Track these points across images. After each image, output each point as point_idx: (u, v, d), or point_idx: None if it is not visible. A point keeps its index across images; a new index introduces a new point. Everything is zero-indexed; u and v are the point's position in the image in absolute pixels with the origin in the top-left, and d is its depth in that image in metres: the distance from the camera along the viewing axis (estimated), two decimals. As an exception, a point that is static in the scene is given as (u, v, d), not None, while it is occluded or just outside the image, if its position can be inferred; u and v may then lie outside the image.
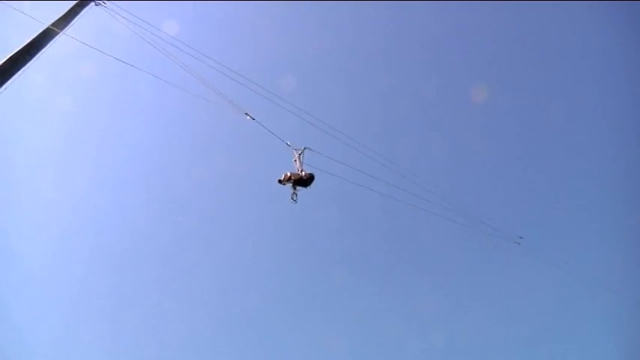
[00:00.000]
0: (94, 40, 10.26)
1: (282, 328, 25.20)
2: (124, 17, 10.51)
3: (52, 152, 24.44)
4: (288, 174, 11.10)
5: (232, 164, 26.67)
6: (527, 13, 23.63)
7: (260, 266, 26.84)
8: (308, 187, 11.42)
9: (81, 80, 24.14)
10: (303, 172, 11.26)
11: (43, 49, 7.32)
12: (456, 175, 27.29)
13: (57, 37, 7.42)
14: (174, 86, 11.37)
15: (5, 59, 6.87)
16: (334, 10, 25.67)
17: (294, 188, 11.25)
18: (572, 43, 24.26)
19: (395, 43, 27.60)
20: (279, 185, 11.08)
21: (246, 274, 26.47)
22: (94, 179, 26.18)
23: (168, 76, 11.90)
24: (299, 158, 11.85)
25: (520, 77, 25.91)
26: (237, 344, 24.75)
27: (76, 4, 8.78)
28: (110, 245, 25.08)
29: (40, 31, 7.25)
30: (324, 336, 24.59)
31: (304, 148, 12.06)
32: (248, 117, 11.60)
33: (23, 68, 7.09)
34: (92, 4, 9.81)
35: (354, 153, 13.17)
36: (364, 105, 28.31)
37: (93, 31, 10.29)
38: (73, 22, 8.26)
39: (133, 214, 26.35)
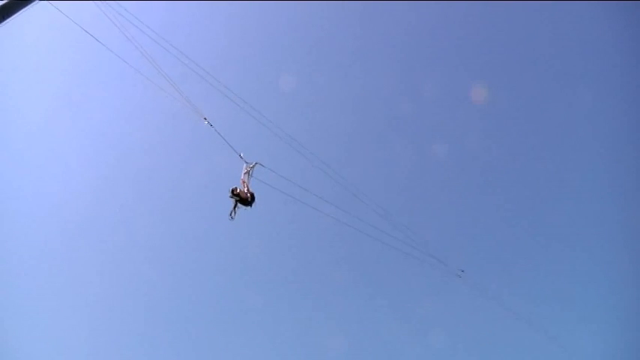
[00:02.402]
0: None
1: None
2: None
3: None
4: (237, 190, 11.18)
5: (176, 165, 25.98)
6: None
7: (193, 282, 25.95)
8: (248, 207, 11.50)
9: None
10: (248, 192, 11.37)
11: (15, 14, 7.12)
12: (407, 201, 27.95)
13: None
14: (142, 75, 11.19)
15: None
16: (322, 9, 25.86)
17: (236, 206, 11.30)
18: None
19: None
20: (229, 197, 11.14)
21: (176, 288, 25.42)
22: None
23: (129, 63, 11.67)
24: (249, 172, 12.00)
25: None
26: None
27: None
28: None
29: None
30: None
31: (255, 163, 12.23)
32: (206, 122, 11.61)
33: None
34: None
35: (308, 170, 13.53)
36: (329, 120, 28.42)
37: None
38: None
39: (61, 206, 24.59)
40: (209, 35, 26.38)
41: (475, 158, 27.14)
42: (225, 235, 24.38)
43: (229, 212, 11.34)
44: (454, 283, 15.40)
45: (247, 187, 11.76)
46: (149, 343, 24.01)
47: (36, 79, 23.49)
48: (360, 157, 28.41)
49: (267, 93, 26.04)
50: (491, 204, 27.05)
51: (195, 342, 24.29)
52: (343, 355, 24.08)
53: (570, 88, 25.16)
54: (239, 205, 11.35)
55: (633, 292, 20.91)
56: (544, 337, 17.50)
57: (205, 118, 11.53)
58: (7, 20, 7.29)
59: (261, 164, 12.33)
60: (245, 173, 12.01)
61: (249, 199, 11.46)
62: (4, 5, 7.20)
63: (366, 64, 27.63)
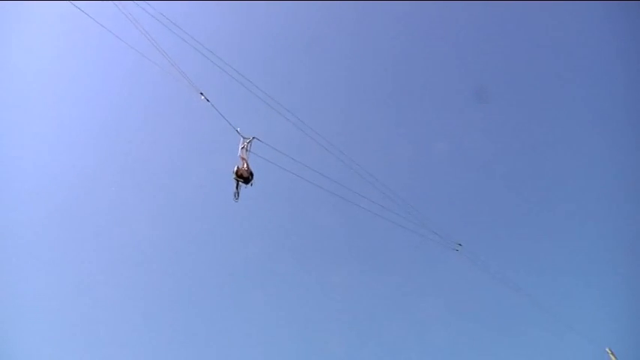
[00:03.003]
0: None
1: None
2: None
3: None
4: (240, 170, 11.20)
5: (173, 140, 25.88)
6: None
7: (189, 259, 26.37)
8: (248, 185, 11.55)
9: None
10: (248, 169, 11.36)
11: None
12: (408, 177, 28.22)
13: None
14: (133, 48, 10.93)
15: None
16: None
17: (237, 186, 11.36)
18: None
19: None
20: (233, 178, 11.20)
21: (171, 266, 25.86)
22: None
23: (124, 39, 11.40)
24: (246, 147, 11.91)
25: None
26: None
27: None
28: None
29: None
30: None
31: (252, 138, 12.14)
32: (202, 97, 11.41)
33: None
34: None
35: (307, 145, 13.50)
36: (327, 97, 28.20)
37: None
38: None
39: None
40: (205, 10, 25.59)
41: (473, 141, 27.15)
42: (222, 211, 24.57)
43: (233, 194, 11.48)
44: (453, 257, 15.87)
45: (246, 163, 11.75)
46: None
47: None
48: (361, 134, 28.34)
49: (264, 68, 25.61)
50: (489, 183, 27.20)
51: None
52: (343, 325, 24.78)
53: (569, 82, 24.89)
54: (240, 184, 11.44)
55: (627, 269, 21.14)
56: (534, 304, 18.11)
57: (202, 93, 11.34)
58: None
59: (258, 139, 12.27)
60: (242, 148, 11.95)
61: (250, 178, 11.53)
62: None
63: (366, 37, 27.07)
